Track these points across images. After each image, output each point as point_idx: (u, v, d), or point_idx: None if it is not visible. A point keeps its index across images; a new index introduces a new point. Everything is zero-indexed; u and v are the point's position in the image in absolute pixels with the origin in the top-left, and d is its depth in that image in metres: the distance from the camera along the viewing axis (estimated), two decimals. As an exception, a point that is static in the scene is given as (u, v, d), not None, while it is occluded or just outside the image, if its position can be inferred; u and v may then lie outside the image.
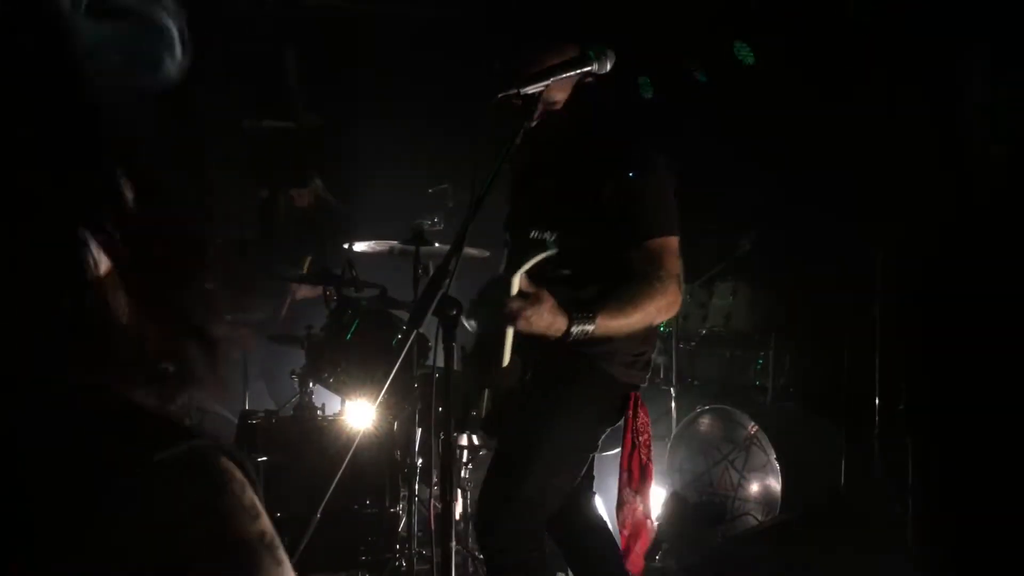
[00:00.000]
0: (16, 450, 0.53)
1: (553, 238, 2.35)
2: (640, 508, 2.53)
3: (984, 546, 3.21)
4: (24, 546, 0.51)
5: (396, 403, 3.44)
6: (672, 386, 4.36)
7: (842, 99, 4.47)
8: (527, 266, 2.15)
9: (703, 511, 4.09)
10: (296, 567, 0.60)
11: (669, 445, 4.26)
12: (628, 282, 2.30)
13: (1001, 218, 3.96)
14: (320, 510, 2.00)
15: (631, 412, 2.48)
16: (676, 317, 4.44)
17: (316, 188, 5.24)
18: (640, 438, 2.49)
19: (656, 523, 3.65)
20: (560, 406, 2.37)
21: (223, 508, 0.55)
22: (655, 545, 3.59)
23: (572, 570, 2.59)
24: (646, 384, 2.55)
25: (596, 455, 2.60)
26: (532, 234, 2.42)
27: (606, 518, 3.81)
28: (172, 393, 0.62)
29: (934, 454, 3.68)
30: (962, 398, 3.84)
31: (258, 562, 0.55)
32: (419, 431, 3.38)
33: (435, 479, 3.34)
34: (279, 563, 0.56)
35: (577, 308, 2.18)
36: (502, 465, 2.42)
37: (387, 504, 3.37)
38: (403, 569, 3.26)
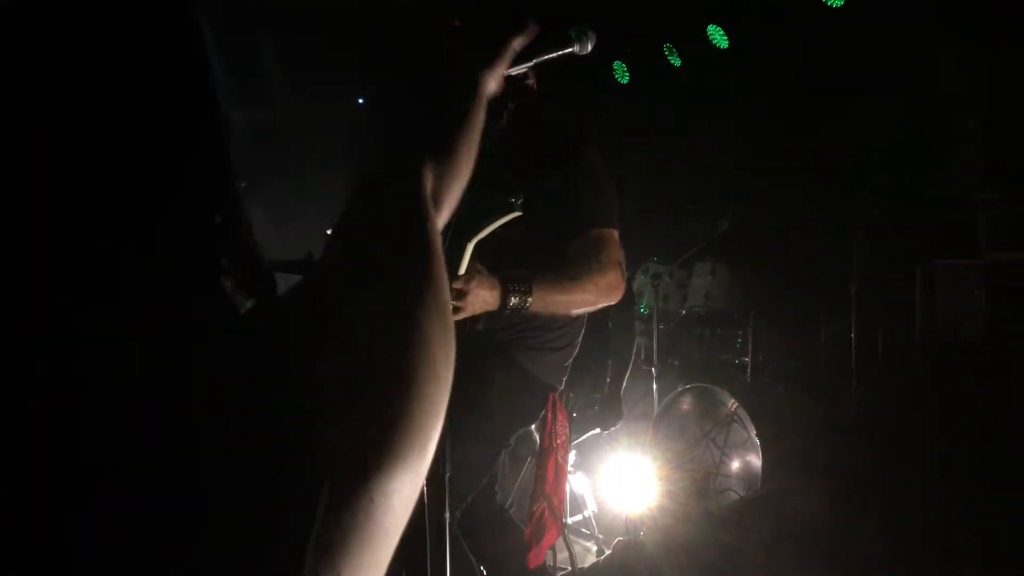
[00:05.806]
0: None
1: (519, 202, 2.31)
2: (549, 511, 2.48)
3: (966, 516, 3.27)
4: None
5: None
6: (653, 366, 4.40)
7: (818, 82, 4.51)
8: (484, 233, 2.11)
9: (685, 488, 4.15)
10: None
11: (652, 425, 4.31)
12: (568, 262, 2.29)
13: (977, 191, 4.02)
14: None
15: (549, 414, 2.45)
16: (656, 298, 4.47)
17: None
18: (557, 441, 2.45)
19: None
20: (478, 399, 2.31)
21: None
22: (635, 526, 3.64)
23: (481, 564, 2.50)
24: (563, 387, 2.52)
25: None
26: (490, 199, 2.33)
27: (588, 495, 3.87)
28: None
29: (914, 428, 3.75)
30: (942, 372, 3.91)
31: None
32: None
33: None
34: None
35: (513, 280, 2.14)
36: None
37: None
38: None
